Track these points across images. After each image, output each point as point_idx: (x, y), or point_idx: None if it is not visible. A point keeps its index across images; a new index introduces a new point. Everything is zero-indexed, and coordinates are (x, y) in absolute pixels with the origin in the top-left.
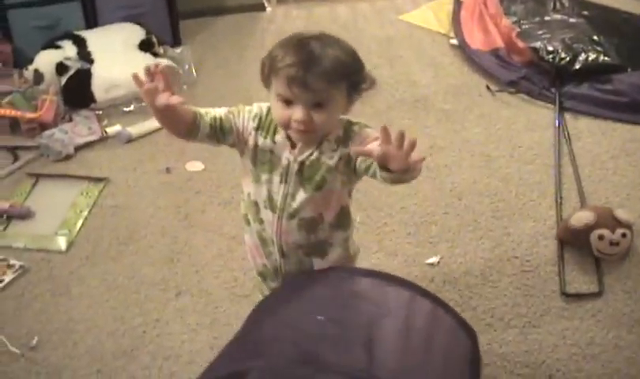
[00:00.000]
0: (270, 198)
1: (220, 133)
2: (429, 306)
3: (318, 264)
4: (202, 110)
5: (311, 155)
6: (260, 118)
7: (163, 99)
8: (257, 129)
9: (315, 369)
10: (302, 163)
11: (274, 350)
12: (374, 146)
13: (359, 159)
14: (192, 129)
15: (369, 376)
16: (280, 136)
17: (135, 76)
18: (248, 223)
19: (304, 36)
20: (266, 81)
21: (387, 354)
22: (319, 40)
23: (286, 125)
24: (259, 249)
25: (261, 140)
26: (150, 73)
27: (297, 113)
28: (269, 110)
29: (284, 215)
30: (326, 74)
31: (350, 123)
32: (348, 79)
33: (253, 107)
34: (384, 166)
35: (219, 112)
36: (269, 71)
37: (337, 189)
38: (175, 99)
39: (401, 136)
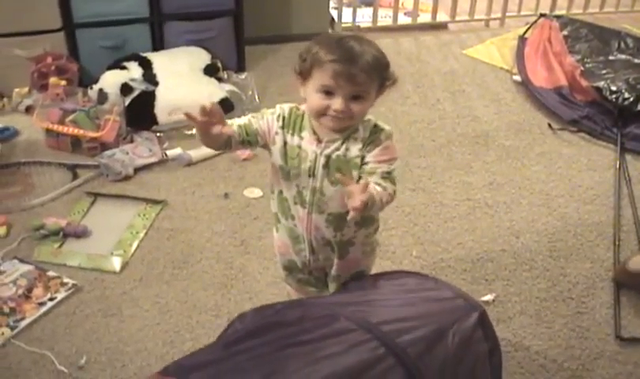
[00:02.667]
0: (300, 193)
1: (247, 137)
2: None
3: (337, 264)
4: (229, 122)
5: (337, 150)
6: (283, 118)
7: (217, 129)
8: (282, 127)
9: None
10: (328, 157)
11: None
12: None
13: (363, 167)
14: (227, 141)
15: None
16: (306, 132)
17: (187, 115)
18: (279, 220)
19: (342, 36)
20: (305, 74)
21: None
22: (356, 39)
23: (321, 114)
24: (289, 247)
25: (289, 138)
26: (205, 110)
27: (337, 103)
28: (290, 110)
29: (313, 209)
30: (368, 68)
31: (377, 128)
32: (380, 74)
33: (275, 109)
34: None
35: (244, 120)
36: (311, 65)
37: None
38: (227, 129)
39: (364, 185)
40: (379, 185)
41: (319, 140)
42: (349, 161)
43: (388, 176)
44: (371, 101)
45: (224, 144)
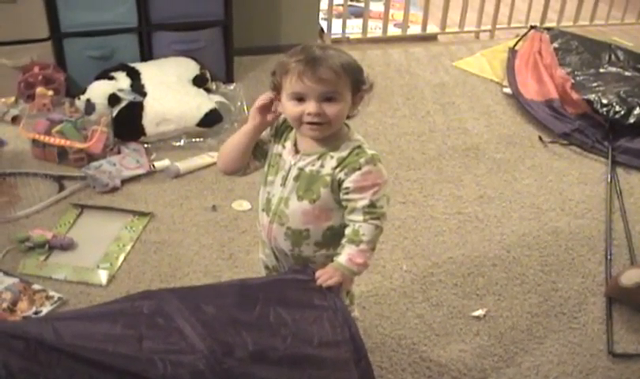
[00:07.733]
0: (269, 200)
1: (260, 151)
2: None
3: None
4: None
5: (312, 165)
6: (277, 128)
7: (271, 115)
8: (274, 136)
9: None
10: (301, 170)
11: None
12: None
13: (345, 197)
14: (247, 158)
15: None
16: (289, 142)
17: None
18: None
19: (307, 44)
20: (278, 87)
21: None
22: (322, 47)
23: (298, 121)
24: (261, 248)
25: (275, 146)
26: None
27: (310, 106)
28: (284, 118)
29: (275, 219)
30: (334, 66)
31: (359, 149)
32: (352, 75)
33: None
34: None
35: None
36: (280, 76)
37: (331, 207)
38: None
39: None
40: (353, 240)
41: (297, 151)
42: (320, 178)
43: (370, 210)
44: (346, 103)
45: (245, 163)
